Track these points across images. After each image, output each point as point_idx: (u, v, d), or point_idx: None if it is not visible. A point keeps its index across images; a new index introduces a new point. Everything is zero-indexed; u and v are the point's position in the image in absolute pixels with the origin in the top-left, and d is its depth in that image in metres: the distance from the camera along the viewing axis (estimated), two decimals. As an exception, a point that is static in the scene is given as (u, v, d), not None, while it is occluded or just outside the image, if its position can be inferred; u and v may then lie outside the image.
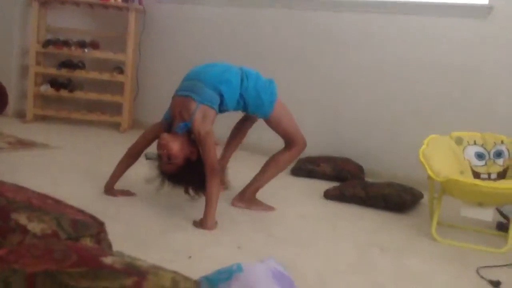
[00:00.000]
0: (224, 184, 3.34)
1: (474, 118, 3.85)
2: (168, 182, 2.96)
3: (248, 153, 4.40)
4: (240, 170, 3.56)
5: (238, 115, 3.33)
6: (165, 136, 2.87)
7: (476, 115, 3.86)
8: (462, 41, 3.94)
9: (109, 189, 3.13)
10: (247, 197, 3.21)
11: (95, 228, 1.10)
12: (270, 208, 3.20)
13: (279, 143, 3.31)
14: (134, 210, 2.94)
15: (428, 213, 3.18)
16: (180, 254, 2.36)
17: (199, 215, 2.80)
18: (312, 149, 4.39)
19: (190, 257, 2.35)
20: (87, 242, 1.06)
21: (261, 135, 3.53)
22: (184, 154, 2.87)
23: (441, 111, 4.01)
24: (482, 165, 3.17)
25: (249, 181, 3.27)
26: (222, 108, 3.01)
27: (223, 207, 2.97)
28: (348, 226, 3.05)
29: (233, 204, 3.19)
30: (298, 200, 3.49)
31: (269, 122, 3.19)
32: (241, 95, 3.03)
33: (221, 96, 2.95)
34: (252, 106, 3.08)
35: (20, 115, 5.15)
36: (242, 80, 3.04)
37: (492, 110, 3.84)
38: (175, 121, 2.93)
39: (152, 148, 3.20)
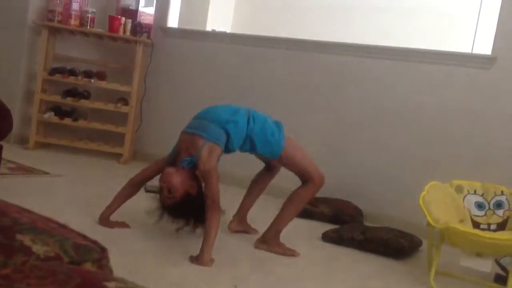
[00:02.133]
0: (249, 231, 3.44)
1: (474, 166, 3.86)
2: (167, 215, 2.97)
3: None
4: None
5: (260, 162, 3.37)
6: (169, 169, 2.91)
7: (476, 163, 3.88)
8: (466, 90, 3.99)
9: (105, 220, 3.12)
10: (269, 239, 3.19)
11: (98, 254, 1.10)
12: (292, 252, 3.16)
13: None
14: (130, 242, 2.93)
15: (426, 261, 3.15)
16: (176, 289, 2.34)
17: (196, 250, 2.79)
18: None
19: (185, 292, 2.34)
20: (89, 267, 1.06)
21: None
22: (185, 188, 2.89)
23: (442, 158, 4.03)
24: (482, 215, 3.17)
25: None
26: (228, 147, 3.05)
27: (221, 243, 2.95)
28: (345, 270, 3.02)
29: (255, 246, 3.18)
30: (295, 241, 3.46)
31: (281, 161, 3.24)
32: (248, 136, 3.08)
33: (228, 135, 2.99)
34: (259, 147, 3.12)
35: (22, 142, 5.16)
36: (248, 122, 3.09)
37: (492, 159, 3.85)
38: (180, 156, 2.96)
39: (153, 182, 3.21)
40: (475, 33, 5.30)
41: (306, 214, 4.06)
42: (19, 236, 1.03)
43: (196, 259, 2.74)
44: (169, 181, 2.86)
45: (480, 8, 5.26)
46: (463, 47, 4.98)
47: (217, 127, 2.98)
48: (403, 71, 4.23)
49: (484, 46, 4.44)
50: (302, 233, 3.67)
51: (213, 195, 2.85)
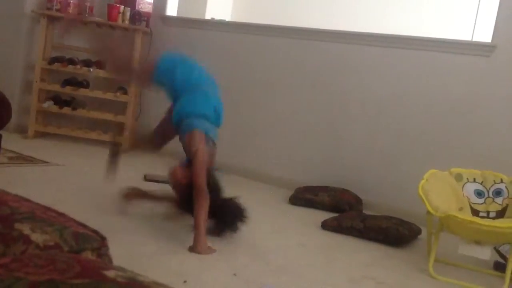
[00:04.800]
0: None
1: (474, 154, 3.86)
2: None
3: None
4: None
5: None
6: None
7: (476, 151, 3.87)
8: (466, 77, 3.98)
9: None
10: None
11: (97, 242, 1.10)
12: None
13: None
14: (130, 231, 2.93)
15: (425, 249, 3.16)
16: (176, 278, 2.34)
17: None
18: (311, 179, 4.41)
19: (185, 281, 2.34)
20: (89, 255, 1.06)
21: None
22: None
23: (442, 146, 4.02)
24: (481, 203, 3.17)
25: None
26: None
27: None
28: (345, 258, 3.03)
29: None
30: (295, 229, 3.48)
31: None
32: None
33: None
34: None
35: (21, 131, 5.15)
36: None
37: (492, 147, 3.85)
38: None
39: (155, 171, 3.21)
40: (475, 21, 5.28)
41: (305, 202, 4.07)
42: (18, 225, 1.04)
43: (193, 249, 2.74)
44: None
45: (480, -4, 5.23)
46: (463, 35, 4.96)
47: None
48: (402, 58, 4.22)
49: (484, 34, 4.41)
50: (302, 221, 3.67)
51: (198, 181, 2.84)
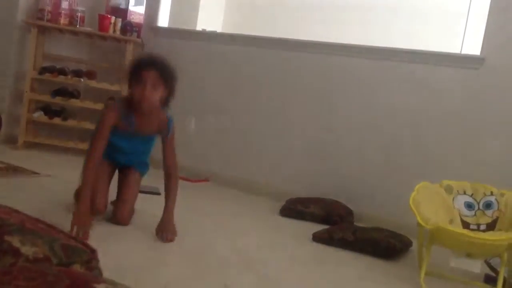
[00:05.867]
0: None
1: (464, 166, 3.87)
2: None
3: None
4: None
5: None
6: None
7: (467, 163, 3.89)
8: (455, 90, 4.00)
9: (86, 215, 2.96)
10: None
11: (87, 255, 1.09)
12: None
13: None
14: (119, 242, 2.91)
15: (416, 261, 3.16)
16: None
17: (185, 248, 2.78)
18: (302, 190, 4.41)
19: (176, 293, 2.33)
20: (78, 268, 1.05)
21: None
22: None
23: (433, 158, 4.04)
24: (472, 216, 3.18)
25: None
26: None
27: (211, 245, 2.94)
28: (336, 270, 3.02)
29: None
30: (286, 242, 3.47)
31: None
32: None
33: None
34: None
35: (11, 141, 5.12)
36: None
37: (483, 159, 3.87)
38: None
39: (150, 183, 3.17)
40: (464, 33, 5.32)
41: (296, 214, 4.06)
42: (7, 238, 1.03)
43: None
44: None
45: (469, 9, 5.28)
46: (452, 48, 5.00)
47: None
48: (391, 71, 4.24)
49: (473, 47, 4.45)
50: (292, 233, 3.66)
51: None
